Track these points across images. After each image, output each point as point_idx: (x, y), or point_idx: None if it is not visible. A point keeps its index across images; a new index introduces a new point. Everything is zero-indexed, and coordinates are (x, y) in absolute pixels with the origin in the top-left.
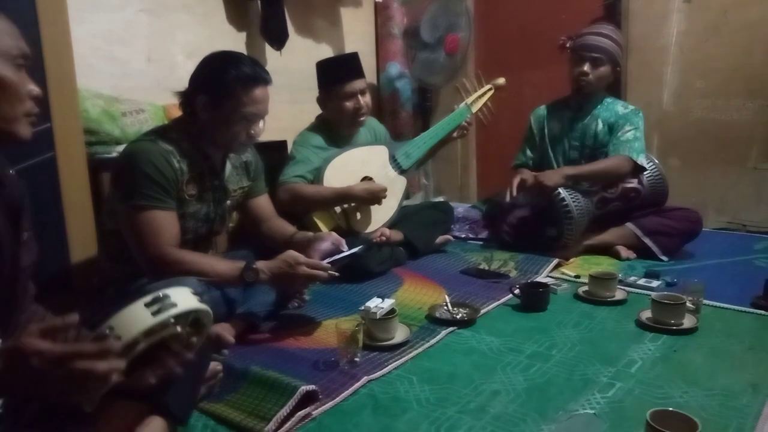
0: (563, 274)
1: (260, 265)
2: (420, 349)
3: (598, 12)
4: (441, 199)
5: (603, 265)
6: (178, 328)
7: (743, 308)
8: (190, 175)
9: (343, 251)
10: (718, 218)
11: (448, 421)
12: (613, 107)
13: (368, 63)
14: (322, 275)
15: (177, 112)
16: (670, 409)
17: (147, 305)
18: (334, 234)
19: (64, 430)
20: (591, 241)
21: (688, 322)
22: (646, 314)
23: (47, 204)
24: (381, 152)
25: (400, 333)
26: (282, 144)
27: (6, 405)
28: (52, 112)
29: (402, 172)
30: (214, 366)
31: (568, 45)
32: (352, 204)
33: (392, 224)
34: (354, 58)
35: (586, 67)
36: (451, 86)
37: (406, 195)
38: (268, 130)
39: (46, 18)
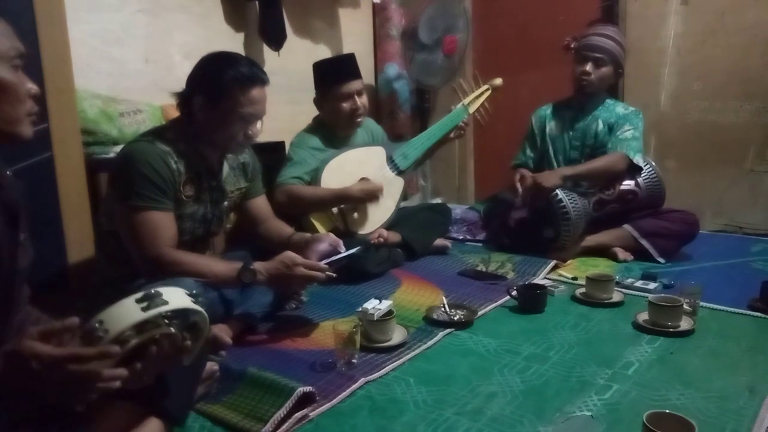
0: (560, 275)
1: (257, 266)
2: (417, 351)
3: (596, 14)
4: (439, 200)
5: (600, 266)
6: (172, 329)
7: (740, 310)
8: (187, 175)
9: (340, 252)
10: (715, 220)
11: (445, 422)
12: (614, 108)
13: (366, 64)
14: (320, 276)
15: (174, 113)
16: (667, 411)
17: (138, 301)
18: (331, 235)
19: (60, 430)
20: (588, 242)
21: (685, 324)
22: (643, 316)
23: (44, 204)
24: (378, 153)
25: (397, 334)
26: (280, 145)
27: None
28: (50, 112)
29: (399, 173)
30: (211, 366)
31: (572, 46)
32: (350, 205)
33: (390, 225)
34: (350, 59)
35: (589, 67)
36: (449, 87)
37: (404, 196)
38: (265, 131)
39: (44, 18)
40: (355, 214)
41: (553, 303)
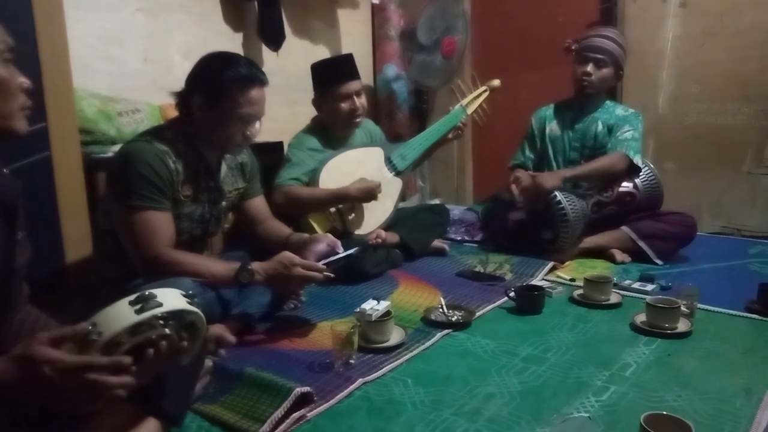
0: (558, 277)
1: (255, 266)
2: (415, 352)
3: (595, 15)
4: (437, 201)
5: (598, 268)
6: (167, 330)
7: (737, 312)
8: (185, 175)
9: (338, 253)
10: (713, 222)
11: (443, 423)
12: (614, 110)
13: (365, 65)
14: (318, 277)
15: (173, 112)
16: (664, 412)
17: (131, 303)
18: (329, 236)
19: (58, 430)
20: (586, 244)
21: (682, 325)
22: (641, 318)
23: (42, 203)
24: (376, 154)
25: (395, 335)
26: (278, 145)
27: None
28: (48, 111)
29: (398, 173)
30: (207, 362)
31: (573, 48)
32: (348, 205)
33: (388, 226)
34: (349, 59)
35: (590, 68)
36: (448, 88)
37: (402, 197)
38: (264, 131)
39: (43, 17)
40: (353, 215)
41: (551, 304)
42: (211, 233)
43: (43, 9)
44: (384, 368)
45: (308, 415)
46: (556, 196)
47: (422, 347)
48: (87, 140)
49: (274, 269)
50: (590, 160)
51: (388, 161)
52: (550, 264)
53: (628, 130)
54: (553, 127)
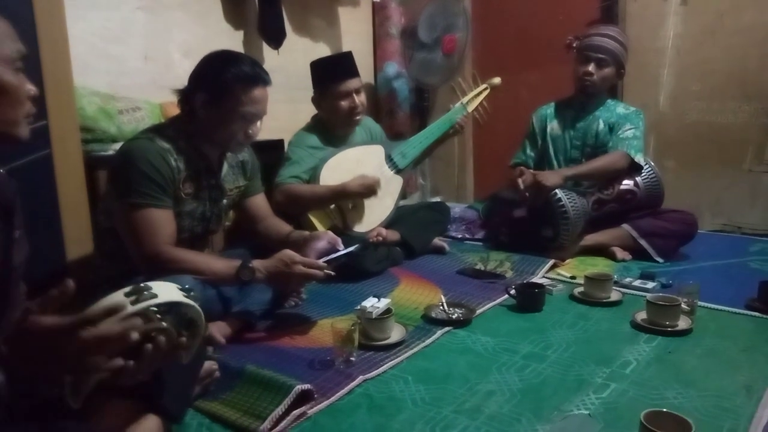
0: (559, 274)
1: (256, 263)
2: (415, 349)
3: (595, 13)
4: (438, 199)
5: (599, 266)
6: (164, 324)
7: (738, 310)
8: (186, 173)
9: (339, 250)
10: (714, 220)
11: (443, 420)
12: (615, 108)
13: (366, 63)
14: (318, 274)
15: (173, 110)
16: (664, 410)
17: (126, 294)
18: (330, 233)
19: (59, 427)
20: (587, 242)
21: (682, 323)
22: (641, 315)
23: (43, 201)
24: (377, 152)
25: (395, 333)
26: (279, 143)
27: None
28: (49, 109)
29: (398, 171)
30: (210, 365)
31: (574, 45)
32: (349, 203)
33: (389, 224)
34: (348, 57)
35: (591, 68)
36: (448, 86)
37: (403, 195)
38: (265, 129)
39: (43, 15)
40: (354, 212)
41: (552, 302)
42: (212, 231)
43: (43, 7)
44: (384, 365)
45: (309, 412)
46: (556, 193)
47: (423, 345)
48: (87, 138)
49: (275, 267)
50: (591, 159)
51: (389, 159)
52: (551, 262)
53: (630, 129)
54: (554, 125)
